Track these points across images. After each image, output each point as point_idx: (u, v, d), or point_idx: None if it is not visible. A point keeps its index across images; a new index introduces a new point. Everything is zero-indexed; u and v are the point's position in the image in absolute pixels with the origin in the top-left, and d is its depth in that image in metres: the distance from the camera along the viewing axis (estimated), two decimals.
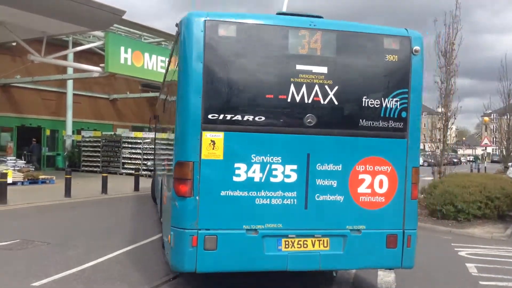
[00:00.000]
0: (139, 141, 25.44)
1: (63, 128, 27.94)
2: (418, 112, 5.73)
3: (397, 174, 5.65)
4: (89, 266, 6.97)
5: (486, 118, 47.75)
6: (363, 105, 5.54)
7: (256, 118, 5.30)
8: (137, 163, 24.57)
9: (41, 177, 19.33)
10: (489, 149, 77.84)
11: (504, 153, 38.43)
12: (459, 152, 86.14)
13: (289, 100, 5.35)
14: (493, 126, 50.74)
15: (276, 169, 5.36)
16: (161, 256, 7.49)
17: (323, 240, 5.49)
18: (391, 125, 5.61)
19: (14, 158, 20.87)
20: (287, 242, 5.39)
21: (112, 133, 28.01)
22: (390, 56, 5.61)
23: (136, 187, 17.67)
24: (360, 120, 5.55)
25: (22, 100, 26.22)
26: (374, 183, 5.62)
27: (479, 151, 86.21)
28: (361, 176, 5.57)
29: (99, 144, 27.08)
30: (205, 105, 5.16)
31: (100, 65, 19.98)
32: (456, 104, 15.63)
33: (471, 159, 67.82)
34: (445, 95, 15.38)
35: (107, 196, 15.96)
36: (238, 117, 5.26)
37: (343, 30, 5.58)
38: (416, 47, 5.67)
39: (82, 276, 6.50)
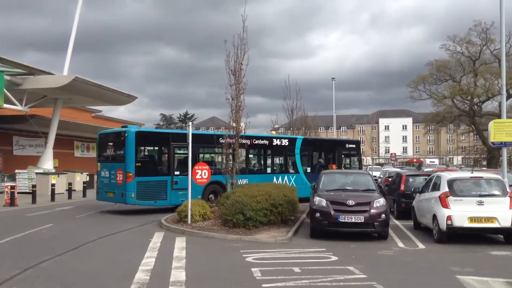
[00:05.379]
0: None
1: None
2: (127, 154, 17.42)
3: (123, 174, 17.41)
4: None
5: (274, 132, 52.70)
6: (119, 153, 18.40)
7: (103, 159, 19.39)
8: None
9: None
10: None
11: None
12: None
13: (109, 154, 19.24)
14: None
15: (105, 172, 18.76)
16: None
17: (112, 194, 18.22)
18: (120, 158, 17.96)
19: None
20: (107, 192, 18.65)
21: None
22: (121, 138, 17.99)
23: None
24: (116, 158, 18.63)
25: None
26: (119, 176, 17.66)
27: None
28: (118, 174, 17.81)
29: None
30: (98, 158, 20.03)
31: None
32: (245, 119, 16.90)
33: None
34: (236, 111, 16.48)
35: None
36: (101, 159, 19.48)
37: (118, 132, 19.48)
38: (125, 134, 17.61)
39: None
